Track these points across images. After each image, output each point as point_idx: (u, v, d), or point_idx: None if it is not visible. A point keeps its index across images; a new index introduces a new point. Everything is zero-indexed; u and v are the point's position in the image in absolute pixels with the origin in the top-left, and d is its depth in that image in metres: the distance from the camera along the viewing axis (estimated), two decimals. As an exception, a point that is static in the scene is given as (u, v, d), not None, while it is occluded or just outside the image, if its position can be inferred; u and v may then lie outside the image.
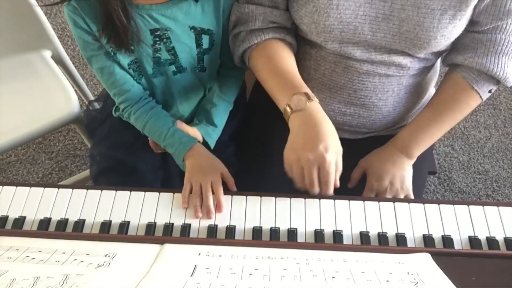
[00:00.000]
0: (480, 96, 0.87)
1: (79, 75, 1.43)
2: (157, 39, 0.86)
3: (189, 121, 1.02)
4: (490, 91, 0.88)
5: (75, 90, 1.26)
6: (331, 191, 0.73)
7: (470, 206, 0.76)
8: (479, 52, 0.83)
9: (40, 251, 0.59)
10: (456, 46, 0.84)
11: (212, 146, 0.95)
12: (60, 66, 1.31)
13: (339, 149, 0.74)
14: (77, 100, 1.21)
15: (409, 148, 0.91)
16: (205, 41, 0.89)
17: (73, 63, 1.41)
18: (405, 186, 0.90)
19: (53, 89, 1.24)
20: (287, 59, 0.85)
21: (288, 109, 0.76)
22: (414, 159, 0.92)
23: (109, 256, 0.57)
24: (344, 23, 0.80)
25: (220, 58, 0.95)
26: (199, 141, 0.91)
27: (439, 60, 0.94)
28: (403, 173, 0.91)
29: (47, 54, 1.29)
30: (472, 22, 0.81)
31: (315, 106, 0.75)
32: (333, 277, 0.53)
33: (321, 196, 0.76)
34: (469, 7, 0.76)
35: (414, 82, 0.92)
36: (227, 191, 0.80)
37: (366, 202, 0.77)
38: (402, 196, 0.89)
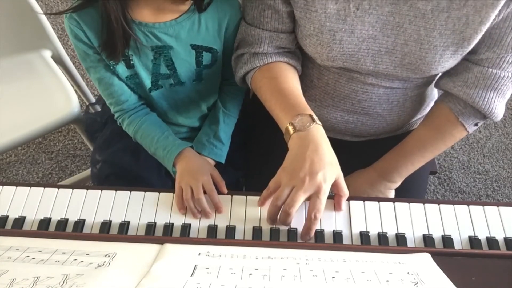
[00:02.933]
0: (466, 129, 0.86)
1: (79, 75, 1.43)
2: (157, 55, 0.86)
3: (190, 131, 1.02)
4: (476, 124, 0.86)
5: (75, 90, 1.26)
6: (317, 221, 0.69)
7: (470, 206, 0.76)
8: (469, 82, 0.82)
9: (40, 251, 0.59)
10: (449, 70, 0.83)
11: (223, 161, 0.95)
12: (60, 66, 1.31)
13: (340, 174, 0.72)
14: (77, 100, 1.21)
15: (389, 173, 0.91)
16: (206, 57, 0.89)
17: (73, 63, 1.41)
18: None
19: (53, 89, 1.24)
20: (292, 81, 0.83)
21: (290, 128, 0.74)
22: (396, 184, 0.92)
23: (109, 256, 0.57)
24: (347, 55, 0.80)
25: (222, 72, 0.95)
26: (191, 146, 0.90)
27: None
28: (378, 195, 0.91)
29: (47, 54, 1.29)
30: (469, 51, 0.80)
31: (319, 129, 0.73)
32: (333, 277, 0.53)
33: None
34: (471, 44, 0.75)
35: (419, 92, 0.92)
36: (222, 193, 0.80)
37: (366, 202, 0.77)
38: None
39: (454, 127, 0.86)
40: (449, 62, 0.78)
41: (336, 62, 0.82)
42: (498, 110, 0.83)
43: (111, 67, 0.86)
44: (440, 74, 0.88)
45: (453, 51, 0.76)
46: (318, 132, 0.73)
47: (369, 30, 0.76)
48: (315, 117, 0.74)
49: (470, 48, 0.77)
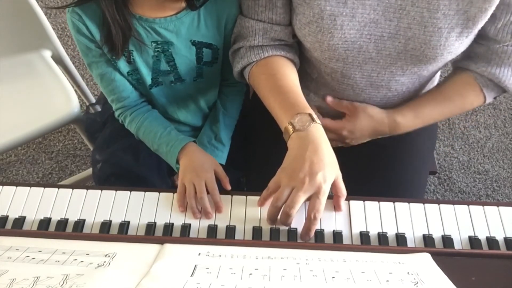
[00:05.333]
0: (485, 100, 0.87)
1: (79, 75, 1.43)
2: (158, 50, 0.86)
3: (192, 131, 1.02)
4: (495, 98, 0.88)
5: (75, 90, 1.26)
6: (317, 221, 0.69)
7: (470, 206, 0.76)
8: (492, 63, 0.82)
9: (40, 251, 0.59)
10: (469, 54, 0.83)
11: (224, 162, 0.95)
12: (60, 66, 1.31)
13: (339, 174, 0.72)
14: (77, 100, 1.21)
15: (398, 128, 0.90)
16: (206, 54, 0.89)
17: (73, 63, 1.41)
18: (353, 141, 0.92)
19: (53, 89, 1.24)
20: (290, 77, 0.82)
21: (290, 127, 0.73)
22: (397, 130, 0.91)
23: (109, 256, 0.57)
24: (349, 42, 0.78)
25: (221, 72, 0.95)
26: (194, 141, 0.91)
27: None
28: (367, 139, 0.92)
29: (47, 54, 1.29)
30: (487, 38, 0.79)
31: (318, 128, 0.73)
32: (333, 277, 0.53)
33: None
34: (476, 25, 0.74)
35: (418, 86, 0.92)
36: (223, 190, 0.80)
37: (366, 202, 0.77)
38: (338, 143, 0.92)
39: (476, 97, 0.87)
40: (454, 45, 0.77)
41: (337, 52, 0.80)
42: None
43: (113, 62, 0.86)
44: (440, 66, 0.88)
45: (458, 32, 0.75)
46: (318, 132, 0.72)
47: (371, 13, 0.75)
48: (315, 116, 0.74)
49: (475, 29, 0.75)
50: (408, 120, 0.89)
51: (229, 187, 0.80)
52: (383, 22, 0.75)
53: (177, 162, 0.87)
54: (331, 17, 0.76)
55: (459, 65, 0.88)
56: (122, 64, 0.87)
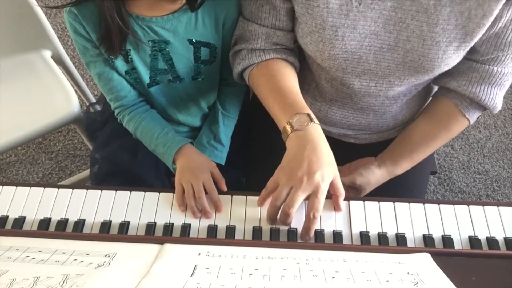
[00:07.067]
0: (470, 122, 0.89)
1: (79, 75, 1.43)
2: (155, 49, 0.86)
3: (190, 131, 1.02)
4: (478, 116, 0.89)
5: (75, 90, 1.26)
6: (316, 220, 0.69)
7: (470, 206, 0.76)
8: (473, 81, 0.83)
9: (40, 251, 0.59)
10: (451, 70, 0.83)
11: (223, 163, 0.95)
12: (60, 66, 1.31)
13: (337, 174, 0.72)
14: (77, 100, 1.21)
15: (397, 172, 0.93)
16: (204, 53, 0.89)
17: (73, 63, 1.41)
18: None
19: (53, 89, 1.24)
20: (290, 79, 0.83)
21: (288, 127, 0.73)
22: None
23: (109, 256, 0.57)
24: (349, 53, 0.79)
25: (220, 71, 0.95)
26: (191, 142, 0.91)
27: None
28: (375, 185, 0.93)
29: (47, 54, 1.29)
30: (472, 51, 0.79)
31: (316, 128, 0.73)
32: (333, 277, 0.53)
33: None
34: (474, 39, 0.75)
35: (416, 93, 0.92)
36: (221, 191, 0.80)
37: (366, 202, 0.77)
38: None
39: (461, 124, 0.89)
40: (452, 58, 0.78)
41: (337, 61, 0.81)
42: (500, 104, 0.86)
43: (110, 62, 0.87)
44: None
45: (456, 46, 0.76)
46: (316, 132, 0.72)
47: (371, 26, 0.75)
48: (313, 116, 0.74)
49: (472, 43, 0.76)
50: (406, 168, 0.93)
51: (225, 188, 0.81)
52: (383, 34, 0.76)
53: (174, 162, 0.88)
54: (332, 28, 0.76)
55: (440, 83, 0.89)
56: (120, 63, 0.87)
